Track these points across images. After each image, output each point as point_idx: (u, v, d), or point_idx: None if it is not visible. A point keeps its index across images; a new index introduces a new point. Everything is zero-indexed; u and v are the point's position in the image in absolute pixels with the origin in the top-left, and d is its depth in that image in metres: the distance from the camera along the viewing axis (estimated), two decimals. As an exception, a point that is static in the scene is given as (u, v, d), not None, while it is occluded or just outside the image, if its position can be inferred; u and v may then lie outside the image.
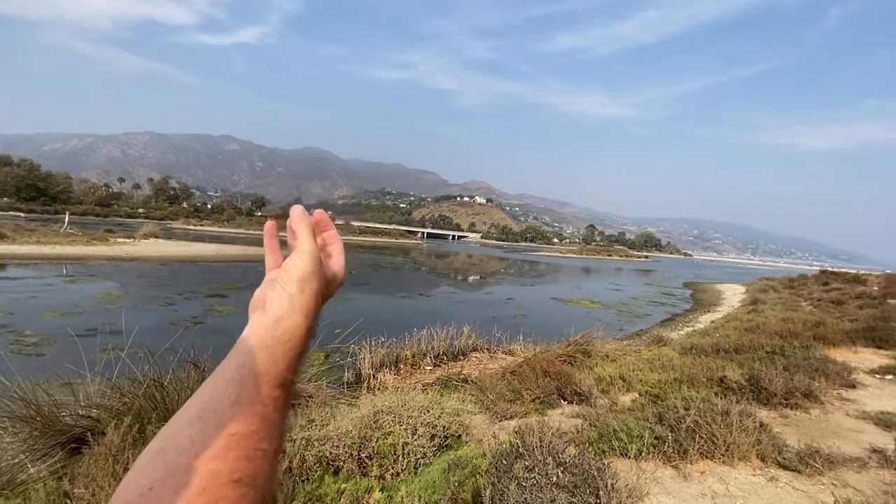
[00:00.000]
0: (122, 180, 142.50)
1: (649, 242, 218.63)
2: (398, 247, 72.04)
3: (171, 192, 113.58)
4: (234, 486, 0.33)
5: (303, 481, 2.85)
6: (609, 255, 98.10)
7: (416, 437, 3.32)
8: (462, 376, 7.22)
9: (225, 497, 0.32)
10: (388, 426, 3.35)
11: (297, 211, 0.47)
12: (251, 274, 21.26)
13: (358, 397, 5.14)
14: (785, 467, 3.26)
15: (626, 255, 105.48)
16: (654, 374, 5.85)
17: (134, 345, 4.36)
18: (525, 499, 2.34)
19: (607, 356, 7.34)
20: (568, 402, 5.11)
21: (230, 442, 0.34)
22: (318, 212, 0.52)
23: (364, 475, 3.05)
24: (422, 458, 3.24)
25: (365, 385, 6.72)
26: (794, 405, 4.63)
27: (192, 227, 67.23)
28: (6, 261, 19.48)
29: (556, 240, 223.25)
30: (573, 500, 2.33)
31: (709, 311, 20.97)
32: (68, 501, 2.32)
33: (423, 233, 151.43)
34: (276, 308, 0.41)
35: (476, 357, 8.88)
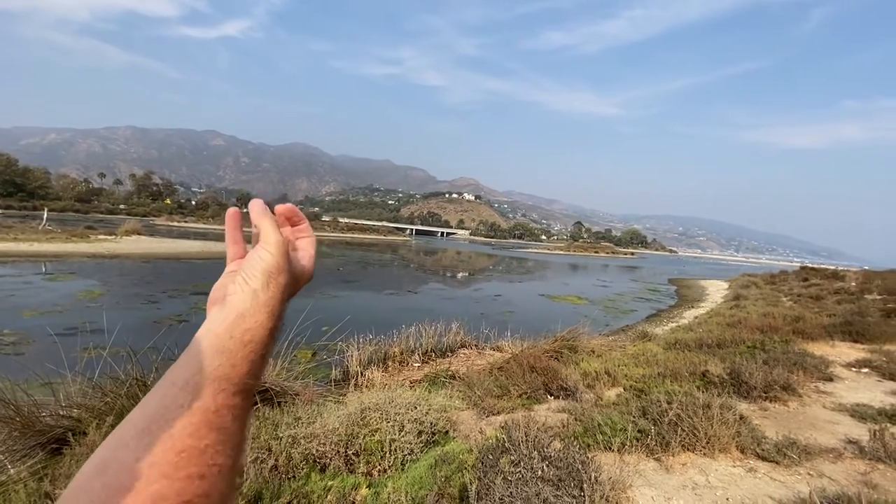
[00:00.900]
0: (102, 176, 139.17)
1: (635, 239, 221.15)
2: (386, 244, 71.76)
3: (154, 188, 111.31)
4: None
5: (289, 479, 2.84)
6: (596, 252, 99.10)
7: (403, 433, 3.33)
8: (450, 373, 7.25)
9: None
10: (375, 423, 3.36)
11: (256, 205, 0.43)
12: (237, 271, 20.94)
13: (345, 395, 5.13)
14: (763, 458, 3.35)
15: (613, 252, 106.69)
16: (639, 368, 5.95)
17: (116, 343, 4.30)
18: (511, 493, 2.37)
19: (593, 352, 7.44)
20: (554, 398, 5.17)
21: (180, 459, 0.30)
22: (287, 206, 0.48)
23: (351, 472, 3.05)
24: (409, 454, 3.25)
25: (352, 383, 6.70)
26: (773, 398, 4.75)
27: (175, 224, 66.11)
28: (-18, 258, 18.95)
29: (543, 237, 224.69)
30: (558, 493, 2.37)
31: (693, 307, 21.33)
32: (49, 502, 2.29)
33: (411, 230, 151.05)
34: (238, 304, 0.37)
35: (464, 353, 8.92)
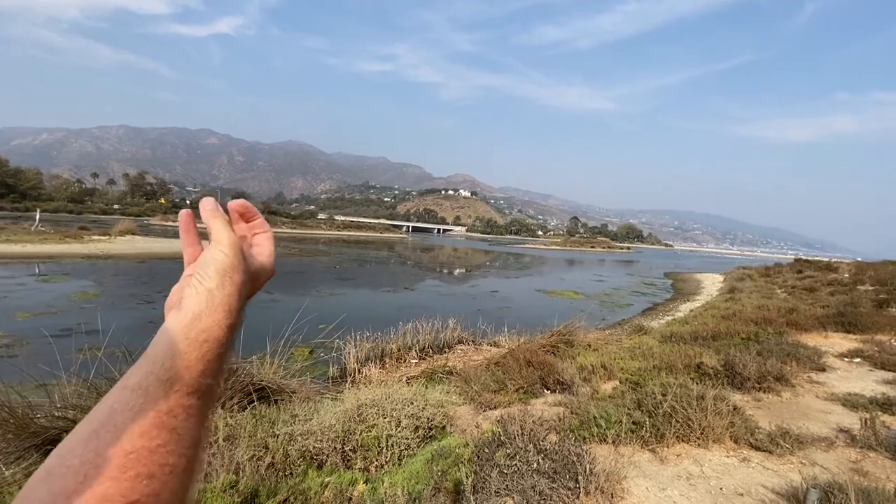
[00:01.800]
0: (95, 176, 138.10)
1: (631, 234, 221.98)
2: (383, 241, 71.67)
3: (148, 188, 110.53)
4: None
5: (286, 476, 2.85)
6: (592, 247, 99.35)
7: (399, 429, 3.35)
8: (447, 368, 7.28)
9: None
10: (371, 419, 3.37)
11: (207, 204, 0.43)
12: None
13: (342, 391, 5.14)
14: (757, 448, 3.39)
15: (609, 247, 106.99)
16: (635, 361, 5.99)
17: (111, 344, 4.28)
18: (506, 486, 2.38)
19: (589, 345, 7.48)
20: (551, 391, 5.20)
21: (128, 460, 0.30)
22: (239, 201, 0.48)
23: (348, 468, 3.06)
24: (406, 449, 3.27)
25: (350, 379, 6.72)
26: (767, 388, 4.80)
27: (170, 224, 65.69)
28: (-26, 260, 18.79)
29: (540, 232, 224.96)
30: (553, 485, 2.39)
31: (688, 300, 21.46)
32: None
33: (408, 227, 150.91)
34: (193, 305, 0.37)
35: (461, 349, 8.95)
